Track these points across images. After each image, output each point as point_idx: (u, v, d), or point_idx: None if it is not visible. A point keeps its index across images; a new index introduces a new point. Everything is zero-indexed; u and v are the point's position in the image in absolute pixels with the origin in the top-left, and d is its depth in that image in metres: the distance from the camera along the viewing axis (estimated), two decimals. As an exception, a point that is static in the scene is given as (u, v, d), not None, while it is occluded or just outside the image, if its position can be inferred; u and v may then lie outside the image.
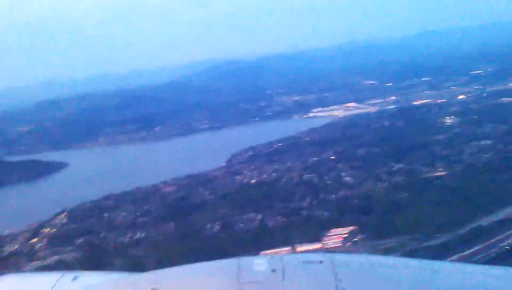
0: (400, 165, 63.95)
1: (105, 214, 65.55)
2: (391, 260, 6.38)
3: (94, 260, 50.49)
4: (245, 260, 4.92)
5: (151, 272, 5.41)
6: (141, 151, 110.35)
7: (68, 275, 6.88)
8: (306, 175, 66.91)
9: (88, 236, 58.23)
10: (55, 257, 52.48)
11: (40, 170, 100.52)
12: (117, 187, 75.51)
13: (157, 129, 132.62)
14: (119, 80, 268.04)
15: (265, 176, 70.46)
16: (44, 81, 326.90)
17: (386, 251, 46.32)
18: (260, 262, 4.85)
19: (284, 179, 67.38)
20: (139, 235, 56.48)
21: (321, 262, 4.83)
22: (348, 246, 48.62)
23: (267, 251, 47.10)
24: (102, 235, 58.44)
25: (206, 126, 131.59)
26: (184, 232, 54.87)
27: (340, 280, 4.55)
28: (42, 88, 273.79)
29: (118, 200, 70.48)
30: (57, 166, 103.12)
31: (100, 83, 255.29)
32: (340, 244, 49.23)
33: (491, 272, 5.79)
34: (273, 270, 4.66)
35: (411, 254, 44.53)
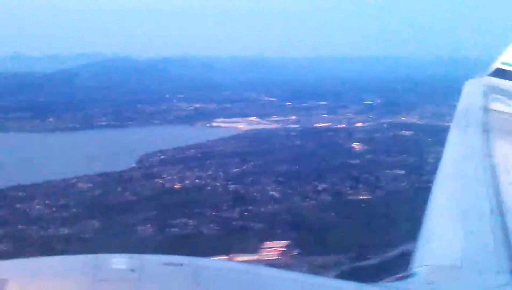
0: (324, 185, 66.48)
1: (18, 205, 61.80)
2: (255, 268, 6.31)
3: (17, 253, 47.47)
4: (104, 258, 4.81)
5: (3, 261, 5.13)
6: (39, 142, 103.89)
7: None
8: (231, 186, 67.42)
9: (5, 228, 54.51)
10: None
11: None
12: (23, 177, 71.11)
13: (50, 120, 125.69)
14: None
15: (188, 182, 69.91)
16: None
17: (323, 268, 48.26)
18: (119, 261, 4.74)
19: (209, 188, 67.34)
20: (62, 230, 53.92)
21: (181, 264, 4.88)
22: (286, 260, 49.86)
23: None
24: (19, 227, 55.02)
25: (104, 123, 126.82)
26: (112, 231, 53.17)
27: (198, 284, 4.67)
28: None
29: (29, 191, 66.36)
30: None
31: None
32: (277, 257, 50.33)
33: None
34: (132, 270, 4.62)
35: (346, 273, 46.55)
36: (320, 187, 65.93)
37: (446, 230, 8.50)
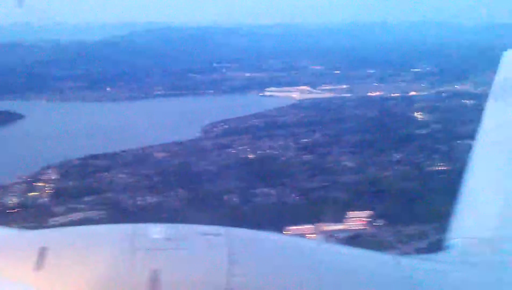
0: (398, 155, 67.01)
1: (100, 174, 64.03)
2: (292, 239, 6.60)
3: (113, 219, 49.43)
4: (141, 227, 4.94)
5: (42, 230, 5.38)
6: (102, 111, 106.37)
7: None
8: (305, 156, 68.44)
9: (95, 195, 56.82)
10: (76, 214, 51.03)
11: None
12: (98, 146, 73.47)
13: (108, 89, 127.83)
14: (46, 31, 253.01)
15: (260, 152, 71.19)
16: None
17: (409, 237, 49.28)
18: (156, 230, 4.86)
19: (283, 158, 68.57)
20: (151, 199, 55.89)
21: (218, 234, 4.95)
22: (371, 230, 51.00)
23: (291, 227, 48.51)
24: (108, 195, 57.28)
25: (161, 92, 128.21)
26: (199, 200, 54.88)
27: (234, 254, 4.74)
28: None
29: (109, 160, 68.73)
30: (13, 117, 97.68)
31: (28, 32, 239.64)
32: (362, 227, 51.42)
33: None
34: (169, 239, 4.73)
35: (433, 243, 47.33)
36: (395, 157, 66.48)
37: (483, 202, 8.50)
